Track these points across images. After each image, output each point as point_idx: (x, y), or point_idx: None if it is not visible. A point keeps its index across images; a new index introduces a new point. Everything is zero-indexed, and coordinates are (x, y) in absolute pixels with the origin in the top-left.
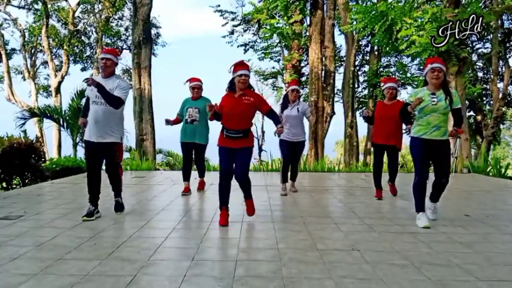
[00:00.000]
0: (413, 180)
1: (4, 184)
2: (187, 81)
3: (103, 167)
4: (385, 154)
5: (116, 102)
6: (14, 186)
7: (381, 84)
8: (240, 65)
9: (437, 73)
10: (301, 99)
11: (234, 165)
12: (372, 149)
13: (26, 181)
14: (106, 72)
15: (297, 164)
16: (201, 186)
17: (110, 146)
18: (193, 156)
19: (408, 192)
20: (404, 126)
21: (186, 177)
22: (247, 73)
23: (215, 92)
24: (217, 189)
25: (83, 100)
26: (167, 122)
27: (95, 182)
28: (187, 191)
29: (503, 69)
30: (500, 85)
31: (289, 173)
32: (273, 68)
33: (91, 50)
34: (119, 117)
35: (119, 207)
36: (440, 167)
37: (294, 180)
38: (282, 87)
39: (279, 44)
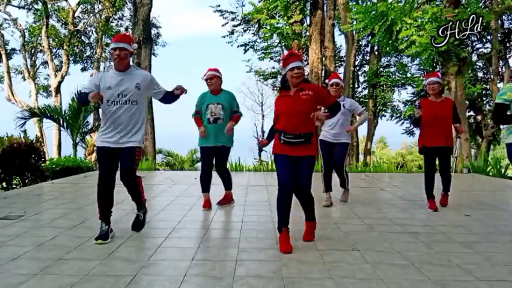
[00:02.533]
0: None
1: (4, 184)
2: (204, 75)
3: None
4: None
5: (174, 96)
6: (14, 186)
7: (423, 82)
8: (291, 57)
9: None
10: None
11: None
12: (373, 149)
13: (26, 181)
14: (121, 65)
15: (341, 168)
16: (226, 200)
17: (129, 151)
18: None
19: (408, 192)
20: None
21: (206, 188)
22: (300, 65)
23: None
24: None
25: None
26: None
27: (109, 194)
28: (208, 205)
29: (503, 69)
30: (500, 85)
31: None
32: (273, 68)
33: (91, 50)
34: (142, 117)
35: (138, 223)
36: None
37: (344, 187)
38: None
39: (279, 44)
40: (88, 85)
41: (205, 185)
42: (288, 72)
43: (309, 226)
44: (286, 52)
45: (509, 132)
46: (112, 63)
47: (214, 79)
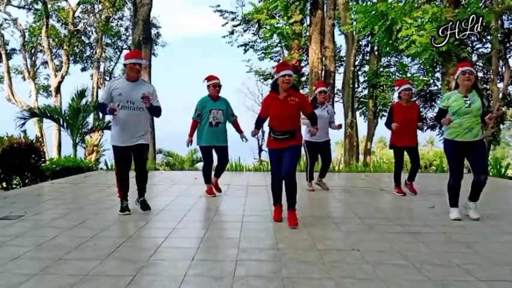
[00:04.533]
0: (447, 180)
1: (4, 184)
2: (205, 79)
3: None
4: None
5: (160, 111)
6: (14, 186)
7: (396, 88)
8: (283, 66)
9: (468, 75)
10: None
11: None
12: (373, 149)
13: (26, 181)
14: (135, 76)
15: (329, 162)
16: (216, 186)
17: (141, 148)
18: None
19: (408, 192)
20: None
21: (209, 180)
22: (290, 73)
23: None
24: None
25: (83, 100)
26: (190, 142)
27: (127, 180)
28: (213, 192)
29: (503, 69)
30: (500, 85)
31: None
32: (273, 68)
33: (91, 50)
34: (147, 120)
35: (145, 206)
36: (476, 166)
37: (323, 177)
38: None
39: (279, 44)
40: (104, 96)
41: (209, 178)
42: (280, 78)
43: (291, 214)
44: (286, 52)
45: (446, 129)
46: (124, 74)
47: (219, 87)
